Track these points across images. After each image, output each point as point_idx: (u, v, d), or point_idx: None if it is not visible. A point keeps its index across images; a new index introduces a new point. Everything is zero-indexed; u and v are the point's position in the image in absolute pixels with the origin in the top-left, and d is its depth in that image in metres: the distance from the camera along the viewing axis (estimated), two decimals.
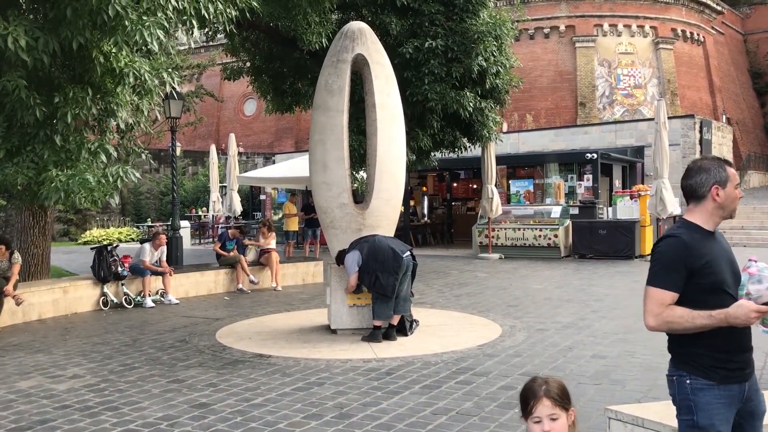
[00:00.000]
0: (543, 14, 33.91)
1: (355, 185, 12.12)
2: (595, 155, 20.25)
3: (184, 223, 22.53)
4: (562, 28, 33.95)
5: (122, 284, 10.97)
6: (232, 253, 12.90)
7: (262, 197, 26.57)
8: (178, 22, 8.01)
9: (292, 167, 21.41)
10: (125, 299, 10.93)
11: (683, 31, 35.29)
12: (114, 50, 7.86)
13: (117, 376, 6.51)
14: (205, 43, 30.63)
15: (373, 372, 6.49)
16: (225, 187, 23.52)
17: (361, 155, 11.63)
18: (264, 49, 14.56)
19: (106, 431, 4.95)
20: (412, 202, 23.40)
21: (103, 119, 9.17)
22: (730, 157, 25.61)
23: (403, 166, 8.78)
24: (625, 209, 17.72)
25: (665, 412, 3.86)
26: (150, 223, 27.55)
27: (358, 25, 8.80)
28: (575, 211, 18.26)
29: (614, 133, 24.11)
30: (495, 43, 13.63)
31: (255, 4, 9.07)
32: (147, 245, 11.33)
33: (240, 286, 12.61)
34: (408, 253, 7.96)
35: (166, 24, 7.42)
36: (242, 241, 13.30)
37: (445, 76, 13.21)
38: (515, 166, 22.81)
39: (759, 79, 44.35)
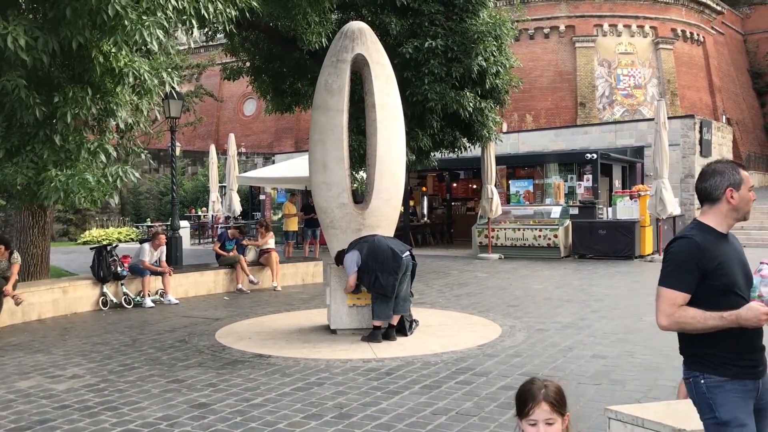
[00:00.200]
0: (543, 14, 33.91)
1: (355, 185, 12.11)
2: (595, 155, 20.25)
3: (184, 223, 22.51)
4: (562, 28, 33.95)
5: (122, 284, 10.96)
6: (231, 253, 12.90)
7: (262, 197, 26.57)
8: (178, 22, 8.01)
9: (292, 167, 21.40)
10: (125, 299, 10.92)
11: (683, 31, 35.30)
12: (114, 50, 7.86)
13: (116, 376, 6.50)
14: (204, 43, 30.62)
15: (372, 372, 6.49)
16: (224, 187, 23.52)
17: (360, 155, 11.62)
18: (264, 49, 14.56)
19: (106, 431, 4.95)
20: (411, 202, 23.40)
21: (103, 119, 9.17)
22: (729, 157, 25.61)
23: (403, 166, 8.77)
24: (624, 209, 17.72)
25: (665, 412, 3.85)
26: (149, 223, 27.54)
27: (357, 25, 8.80)
28: (575, 211, 18.26)
29: (614, 133, 24.11)
30: (495, 43, 13.63)
31: (255, 3, 9.07)
32: (146, 245, 11.33)
33: (239, 286, 12.61)
34: (407, 253, 7.95)
35: (165, 24, 7.42)
36: (241, 241, 13.30)
37: (445, 76, 13.21)
38: (515, 166, 22.80)
39: (759, 79, 44.37)
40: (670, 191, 16.51)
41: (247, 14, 9.17)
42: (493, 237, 18.31)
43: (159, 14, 7.30)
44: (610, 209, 18.57)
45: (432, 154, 15.62)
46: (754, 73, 44.50)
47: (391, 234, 8.50)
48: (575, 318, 9.16)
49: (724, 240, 2.88)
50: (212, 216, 25.63)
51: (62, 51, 7.57)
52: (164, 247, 11.69)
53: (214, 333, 8.56)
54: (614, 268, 15.05)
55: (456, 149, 15.58)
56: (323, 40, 11.55)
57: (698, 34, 36.34)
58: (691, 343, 2.87)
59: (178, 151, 22.34)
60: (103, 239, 23.69)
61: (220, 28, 11.49)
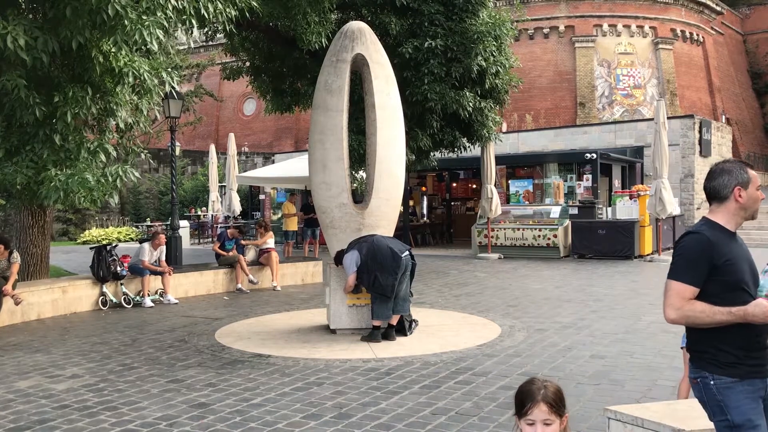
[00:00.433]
0: (542, 14, 33.91)
1: (355, 185, 12.13)
2: (595, 155, 20.25)
3: (184, 223, 22.51)
4: (562, 28, 33.95)
5: (121, 284, 10.96)
6: (231, 253, 12.89)
7: (262, 197, 26.57)
8: (178, 22, 8.02)
9: (292, 167, 21.40)
10: (124, 299, 10.92)
11: (683, 32, 35.30)
12: (113, 50, 7.86)
13: (116, 376, 6.50)
14: (204, 43, 30.66)
15: (372, 372, 6.49)
16: (224, 186, 23.52)
17: (360, 155, 11.62)
18: (263, 48, 14.56)
19: (105, 431, 4.95)
20: (411, 202, 23.39)
21: (103, 119, 9.17)
22: (729, 157, 25.62)
23: (403, 166, 8.77)
24: (624, 209, 17.72)
25: (665, 412, 3.86)
26: (149, 223, 27.54)
27: (357, 25, 8.80)
28: (574, 211, 18.26)
29: (614, 133, 24.12)
30: (494, 43, 13.63)
31: (254, 3, 9.07)
32: (146, 245, 11.33)
33: (239, 285, 12.61)
34: (407, 252, 7.95)
35: (165, 23, 7.42)
36: (241, 240, 13.29)
37: (445, 76, 13.21)
38: (515, 166, 22.81)
39: (758, 80, 44.38)
40: (670, 191, 16.51)
41: (247, 14, 9.17)
42: (492, 237, 18.31)
43: (159, 14, 7.30)
44: (609, 209, 18.58)
45: (432, 153, 15.62)
46: (753, 73, 44.51)
47: (391, 234, 8.51)
48: (575, 318, 9.16)
49: (732, 238, 2.93)
50: (212, 216, 25.63)
51: (62, 51, 7.57)
52: (164, 247, 11.70)
53: (213, 333, 8.56)
54: (614, 268, 15.06)
55: (456, 149, 15.58)
56: (323, 39, 11.55)
57: (698, 35, 36.34)
58: (702, 340, 2.89)
59: (177, 151, 22.33)
60: (102, 239, 23.69)
61: (219, 28, 11.49)
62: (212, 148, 25.67)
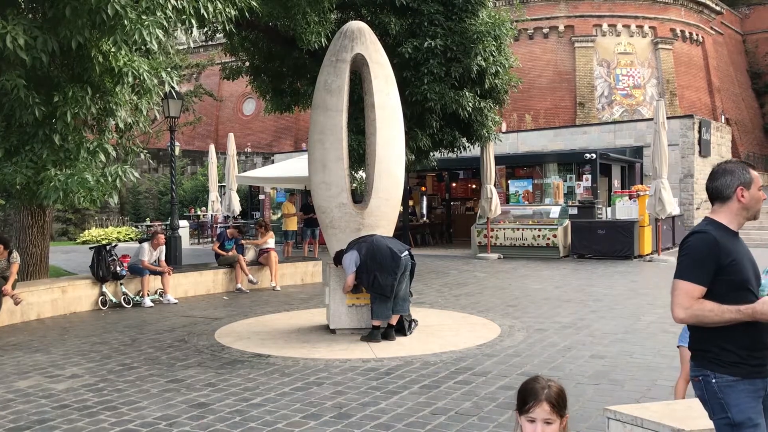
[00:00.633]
0: (542, 14, 33.92)
1: (354, 185, 12.12)
2: (594, 155, 20.25)
3: (183, 223, 22.50)
4: (561, 28, 33.96)
5: (121, 284, 10.96)
6: (230, 253, 12.89)
7: (261, 197, 26.57)
8: (178, 22, 8.01)
9: (291, 167, 21.40)
10: (124, 299, 10.92)
11: (682, 32, 35.32)
12: (113, 49, 7.86)
13: (116, 376, 6.50)
14: (204, 43, 30.63)
15: (372, 372, 6.49)
16: (224, 186, 23.52)
17: (360, 155, 11.62)
18: (263, 48, 14.56)
19: (105, 431, 4.95)
20: (411, 202, 23.39)
21: (102, 119, 9.17)
22: (729, 157, 25.63)
23: (402, 166, 8.77)
24: (623, 209, 17.73)
25: (664, 412, 3.86)
26: (149, 223, 27.53)
27: (357, 25, 8.80)
28: (574, 211, 18.26)
29: (613, 133, 24.12)
30: (494, 43, 13.63)
31: (254, 3, 9.07)
32: (146, 245, 11.32)
33: (239, 285, 12.60)
34: (406, 252, 7.95)
35: (165, 23, 7.42)
36: (240, 240, 13.29)
37: (444, 75, 13.21)
38: (514, 166, 22.81)
39: (758, 80, 44.40)
40: (669, 191, 16.51)
41: (247, 14, 9.17)
42: (492, 237, 18.31)
43: (158, 14, 7.29)
44: (609, 209, 18.59)
45: (431, 153, 15.62)
46: (753, 73, 44.53)
47: (391, 234, 8.51)
48: (574, 318, 9.16)
49: (736, 238, 2.95)
50: (211, 216, 25.63)
51: (62, 50, 7.57)
52: (163, 247, 11.69)
53: (213, 333, 8.56)
54: (613, 268, 15.06)
55: (455, 149, 15.58)
56: (322, 39, 11.55)
57: (697, 34, 36.35)
58: (704, 339, 2.90)
59: (177, 151, 22.35)
60: (102, 239, 23.68)
61: (219, 28, 11.49)
62: (212, 148, 25.68)
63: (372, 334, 7.84)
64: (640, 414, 3.79)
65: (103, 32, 7.31)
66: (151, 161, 28.64)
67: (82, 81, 8.19)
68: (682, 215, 21.00)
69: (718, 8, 38.57)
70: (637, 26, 34.04)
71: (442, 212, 26.17)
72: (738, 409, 2.81)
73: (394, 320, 7.90)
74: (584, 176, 20.57)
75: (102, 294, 10.75)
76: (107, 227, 27.78)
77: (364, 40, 8.52)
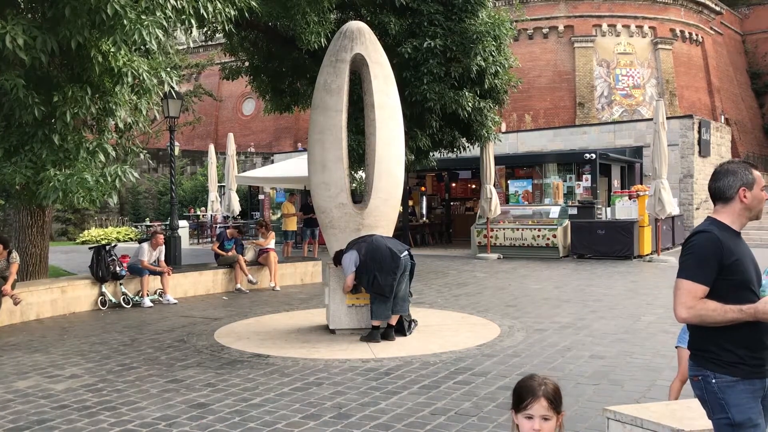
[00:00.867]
0: (542, 14, 33.91)
1: (354, 185, 12.12)
2: (594, 155, 20.26)
3: (183, 223, 22.51)
4: (561, 28, 33.96)
5: (120, 284, 10.96)
6: (230, 253, 12.89)
7: (261, 197, 26.57)
8: (177, 22, 8.01)
9: (291, 167, 21.40)
10: (123, 299, 10.92)
11: (682, 32, 35.32)
12: (113, 49, 7.86)
13: (115, 376, 6.50)
14: (203, 43, 30.65)
15: (371, 372, 6.49)
16: (223, 186, 23.51)
17: (359, 155, 11.62)
18: (263, 48, 14.56)
19: (104, 431, 4.94)
20: (410, 202, 23.40)
21: (102, 119, 9.17)
22: (728, 157, 25.64)
23: (402, 166, 8.77)
24: (623, 209, 17.73)
25: (664, 412, 3.86)
26: (148, 223, 27.53)
27: (357, 25, 8.80)
28: (574, 211, 18.27)
29: (613, 133, 24.13)
30: (494, 43, 13.63)
31: (254, 3, 9.07)
32: (145, 245, 11.32)
33: (238, 285, 12.60)
34: (406, 252, 7.95)
35: (164, 23, 7.42)
36: (241, 241, 13.28)
37: (444, 76, 13.22)
38: (514, 166, 22.82)
39: (757, 80, 44.38)
40: (669, 191, 16.51)
41: (246, 14, 9.17)
42: (492, 237, 18.31)
43: (158, 14, 7.30)
44: (608, 209, 18.59)
45: (431, 153, 15.62)
46: (752, 73, 44.52)
47: (390, 234, 8.50)
48: (574, 318, 9.16)
49: (738, 238, 2.96)
50: (211, 216, 25.63)
51: (61, 50, 7.57)
52: (163, 247, 11.69)
53: (212, 333, 8.55)
54: (613, 268, 15.06)
55: (455, 149, 15.58)
56: (322, 39, 11.56)
57: (697, 35, 36.35)
58: (704, 339, 2.90)
59: (177, 151, 22.36)
60: (102, 239, 23.68)
61: (219, 28, 11.49)
62: (211, 148, 25.68)
63: (371, 335, 7.83)
64: (639, 414, 3.79)
65: (103, 32, 7.31)
66: (150, 161, 28.64)
67: (82, 81, 8.19)
68: (681, 215, 21.00)
69: (717, 8, 38.57)
70: (636, 26, 34.03)
71: (442, 212, 26.18)
72: (738, 409, 2.81)
73: (393, 320, 7.90)
74: (584, 176, 20.58)
75: (101, 294, 10.75)
76: (107, 227, 27.78)
77: (363, 40, 8.51)
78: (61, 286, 10.51)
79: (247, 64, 15.20)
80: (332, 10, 12.62)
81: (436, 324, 8.81)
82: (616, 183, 21.81)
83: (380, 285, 7.68)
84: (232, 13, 8.50)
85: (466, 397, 5.63)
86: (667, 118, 18.47)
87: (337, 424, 5.01)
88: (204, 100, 31.16)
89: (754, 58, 44.68)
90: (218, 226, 23.29)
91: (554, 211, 18.44)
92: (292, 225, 19.21)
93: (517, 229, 18.24)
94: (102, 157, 8.45)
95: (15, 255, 9.29)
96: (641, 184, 21.12)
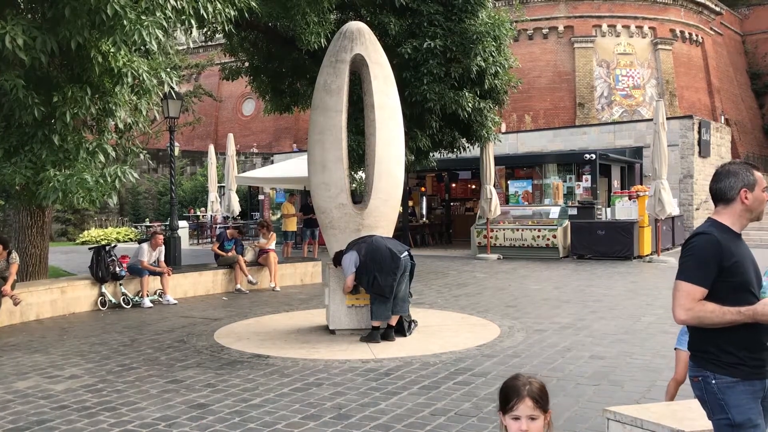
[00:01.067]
0: (542, 15, 33.91)
1: (354, 185, 12.11)
2: (594, 156, 20.25)
3: (183, 223, 22.51)
4: (561, 28, 33.95)
5: (120, 284, 10.96)
6: (230, 254, 12.88)
7: (261, 197, 26.57)
8: (177, 22, 8.01)
9: (291, 167, 21.39)
10: (123, 299, 10.91)
11: (682, 32, 35.31)
12: (112, 50, 7.85)
13: (115, 377, 6.49)
14: (203, 43, 30.62)
15: (371, 372, 6.48)
16: (223, 187, 23.51)
17: (359, 155, 11.62)
18: (263, 49, 14.56)
19: (104, 431, 4.95)
20: (410, 203, 23.40)
21: (102, 119, 9.17)
22: (728, 157, 25.64)
23: (402, 167, 8.77)
24: (623, 210, 17.72)
25: (664, 413, 3.86)
26: (148, 223, 27.52)
27: (356, 25, 8.80)
28: (574, 211, 18.27)
29: (613, 133, 24.13)
30: (494, 43, 13.63)
31: (254, 3, 9.07)
32: (145, 245, 11.32)
33: (238, 286, 12.60)
34: (406, 253, 7.95)
35: (164, 24, 7.42)
36: (241, 241, 13.27)
37: (444, 76, 13.22)
38: (514, 166, 22.81)
39: (757, 80, 44.37)
40: (669, 192, 16.51)
41: (246, 14, 9.17)
42: (491, 237, 18.31)
43: (158, 14, 7.29)
44: (608, 210, 18.58)
45: (431, 154, 15.62)
46: (752, 73, 44.51)
47: (390, 234, 8.50)
48: (574, 318, 9.16)
49: (738, 239, 2.96)
50: (211, 216, 25.62)
51: (61, 51, 7.56)
52: (163, 247, 11.69)
53: (212, 333, 8.55)
54: (613, 269, 15.06)
55: (455, 149, 15.58)
56: (322, 40, 11.56)
57: (697, 35, 36.35)
58: (704, 340, 2.90)
59: (176, 151, 22.34)
60: (101, 239, 23.67)
61: (219, 28, 11.50)
62: (211, 149, 25.67)
63: (371, 335, 7.83)
64: (639, 415, 3.79)
65: (103, 32, 7.31)
66: (150, 162, 28.63)
67: (82, 81, 8.18)
68: (681, 216, 21.00)
69: (717, 9, 38.56)
70: (636, 27, 34.03)
71: (442, 213, 26.18)
72: (738, 410, 2.81)
73: (393, 321, 7.90)
74: (584, 177, 20.58)
75: (101, 294, 10.74)
76: (106, 228, 27.76)
77: (363, 41, 8.51)
78: (61, 286, 10.50)
79: (247, 64, 15.20)
80: (332, 11, 12.62)
81: (436, 324, 8.81)
82: (616, 183, 21.81)
83: (380, 285, 7.68)
84: (232, 13, 8.50)
85: (466, 397, 5.63)
86: (667, 118, 18.47)
87: (337, 424, 5.01)
88: (204, 100, 31.14)
89: (754, 58, 44.67)
90: (218, 226, 23.28)
91: (554, 212, 18.44)
92: (292, 225, 19.21)
93: (517, 230, 18.24)
94: (102, 158, 8.45)
95: (15, 255, 9.30)
96: (641, 184, 21.11)
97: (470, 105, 13.45)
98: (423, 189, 26.26)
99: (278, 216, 22.31)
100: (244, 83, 18.16)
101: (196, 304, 11.21)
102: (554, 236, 17.67)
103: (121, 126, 9.57)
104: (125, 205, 31.90)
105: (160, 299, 11.27)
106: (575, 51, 33.81)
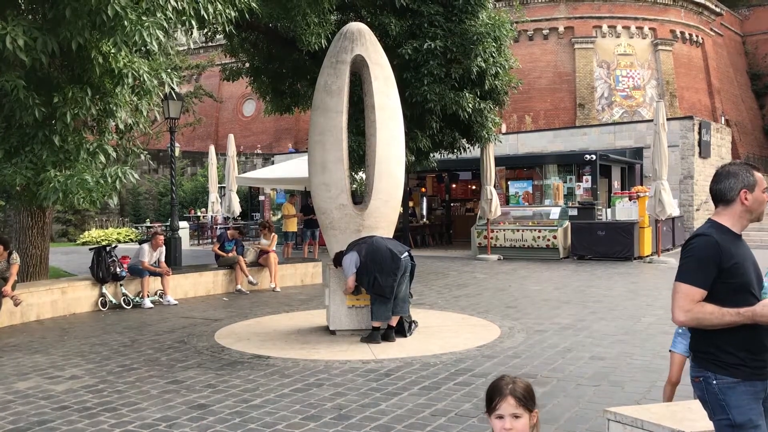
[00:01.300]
0: (542, 15, 33.91)
1: (354, 186, 12.12)
2: (594, 156, 20.25)
3: (183, 224, 22.50)
4: (561, 29, 33.96)
5: (121, 285, 10.96)
6: (230, 254, 12.88)
7: (261, 198, 26.57)
8: (178, 23, 8.02)
9: (291, 168, 21.40)
10: (124, 300, 10.92)
11: (682, 33, 35.32)
12: (113, 50, 7.86)
13: (115, 377, 6.50)
14: (204, 44, 30.66)
15: (371, 373, 6.49)
16: (224, 187, 23.52)
17: (360, 156, 11.62)
18: (263, 49, 14.56)
19: None
20: (411, 203, 23.39)
21: (102, 120, 9.18)
22: (728, 158, 25.64)
23: (402, 167, 8.77)
24: (623, 210, 17.72)
25: (664, 413, 3.86)
26: (149, 224, 27.52)
27: (357, 26, 8.80)
28: (574, 212, 18.26)
29: (613, 134, 24.12)
30: (494, 44, 13.63)
31: (254, 4, 9.07)
32: (145, 246, 11.32)
33: (238, 286, 12.60)
34: (406, 254, 7.95)
35: (165, 24, 7.43)
36: (241, 242, 13.27)
37: (444, 77, 13.22)
38: (514, 167, 22.81)
39: (758, 81, 44.37)
40: (669, 192, 16.51)
41: (247, 15, 9.18)
42: (492, 238, 18.31)
43: (158, 15, 7.30)
44: (609, 210, 18.58)
45: (431, 154, 15.62)
46: (752, 74, 44.50)
47: (391, 235, 8.50)
48: (574, 319, 9.16)
49: (738, 240, 2.96)
50: (211, 217, 25.62)
51: (61, 51, 7.57)
52: (163, 248, 11.69)
53: (213, 334, 8.55)
54: (613, 270, 15.06)
55: (455, 150, 15.58)
56: (322, 41, 11.56)
57: (697, 36, 36.35)
58: (705, 341, 2.91)
59: (177, 152, 22.35)
60: (102, 240, 23.67)
61: (219, 29, 11.50)
62: (212, 149, 25.68)
63: (372, 336, 7.83)
64: (640, 415, 3.79)
65: (103, 33, 7.31)
66: (151, 162, 28.63)
67: (82, 82, 8.19)
68: (681, 216, 21.00)
69: (717, 10, 38.57)
70: (636, 27, 34.03)
71: (442, 213, 26.17)
72: (739, 410, 2.81)
73: (394, 321, 7.90)
74: (584, 177, 20.56)
75: (102, 295, 10.75)
76: (107, 228, 27.76)
77: (364, 42, 8.52)
78: (62, 287, 10.51)
79: (247, 65, 15.21)
80: (332, 11, 12.62)
81: (436, 325, 8.81)
82: (616, 184, 21.80)
83: (381, 286, 7.68)
84: (233, 14, 8.51)
85: (467, 398, 5.63)
86: (668, 119, 18.46)
87: (338, 425, 5.01)
88: (204, 101, 31.16)
89: (754, 59, 44.66)
90: (218, 227, 23.29)
91: (554, 212, 18.44)
92: (292, 226, 19.22)
93: (518, 230, 18.24)
94: (102, 158, 8.46)
95: (15, 256, 9.30)
96: (641, 185, 21.11)
97: (470, 106, 13.45)
98: (423, 189, 26.26)
99: (279, 217, 22.31)
100: (244, 84, 18.17)
101: (196, 305, 11.22)
102: (554, 237, 17.67)
103: (121, 127, 9.57)
104: (126, 206, 31.90)
105: (161, 300, 11.27)
106: (575, 52, 33.82)
